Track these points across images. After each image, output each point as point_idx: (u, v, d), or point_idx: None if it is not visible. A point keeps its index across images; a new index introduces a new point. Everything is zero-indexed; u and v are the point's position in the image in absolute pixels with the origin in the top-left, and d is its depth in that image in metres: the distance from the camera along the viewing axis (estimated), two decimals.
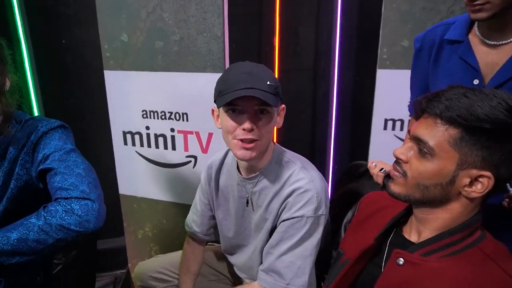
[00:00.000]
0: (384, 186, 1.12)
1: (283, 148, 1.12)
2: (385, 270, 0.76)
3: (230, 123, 0.96)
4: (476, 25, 1.00)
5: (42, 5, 1.78)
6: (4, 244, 0.88)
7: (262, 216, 1.08)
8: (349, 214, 1.09)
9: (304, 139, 2.33)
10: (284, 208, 1.02)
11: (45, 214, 0.91)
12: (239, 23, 1.81)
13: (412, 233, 0.78)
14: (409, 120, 1.41)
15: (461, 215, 0.71)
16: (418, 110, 0.73)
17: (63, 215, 0.91)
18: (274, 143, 1.10)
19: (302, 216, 0.99)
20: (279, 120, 1.04)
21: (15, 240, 0.89)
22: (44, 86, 1.85)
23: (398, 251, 0.75)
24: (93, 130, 1.90)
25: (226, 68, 1.44)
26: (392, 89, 1.75)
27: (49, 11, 1.80)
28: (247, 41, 2.04)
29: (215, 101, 1.00)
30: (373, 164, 1.17)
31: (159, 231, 1.81)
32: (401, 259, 0.73)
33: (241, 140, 0.95)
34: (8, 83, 0.99)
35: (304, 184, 1.00)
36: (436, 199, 0.71)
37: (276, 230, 1.04)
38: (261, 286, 1.03)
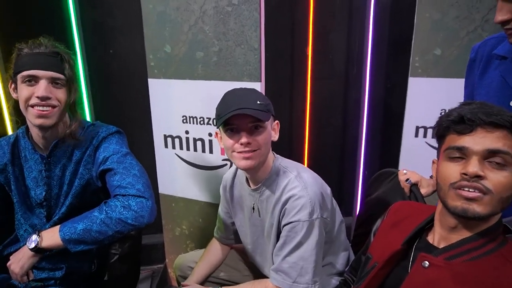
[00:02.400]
0: (410, 196, 1.17)
1: (282, 158, 1.23)
2: (411, 272, 0.81)
3: (229, 141, 1.10)
4: None
5: (93, 19, 1.93)
6: (72, 233, 1.02)
7: (270, 222, 1.19)
8: (378, 222, 1.14)
9: (335, 145, 2.38)
10: (284, 214, 1.13)
11: (106, 209, 1.04)
12: (274, 34, 1.89)
13: (436, 239, 0.82)
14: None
15: (495, 220, 0.75)
16: (468, 123, 0.74)
17: (122, 210, 1.03)
18: (274, 154, 1.22)
19: (298, 221, 1.09)
20: (274, 134, 1.17)
21: (81, 231, 1.02)
22: (94, 92, 2.01)
23: (424, 255, 0.80)
24: (137, 133, 2.02)
25: (262, 77, 1.53)
26: (424, 97, 1.77)
27: (100, 24, 1.95)
28: (282, 50, 2.11)
29: (216, 125, 1.15)
30: (404, 171, 1.22)
31: (195, 229, 1.92)
32: (426, 262, 0.79)
33: (240, 152, 1.08)
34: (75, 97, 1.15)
35: (298, 192, 1.10)
36: (505, 208, 0.73)
37: (280, 235, 1.15)
38: (272, 284, 1.14)
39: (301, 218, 1.09)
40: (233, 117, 1.05)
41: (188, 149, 1.77)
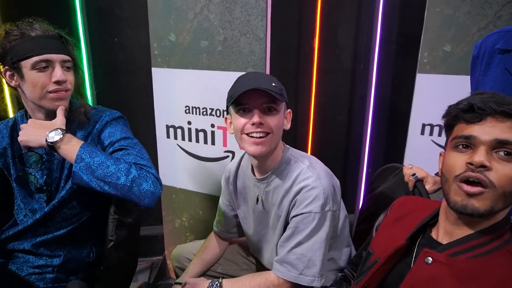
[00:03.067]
0: (413, 191, 1.14)
1: (292, 148, 1.19)
2: (413, 268, 0.79)
3: (240, 120, 1.05)
4: None
5: (99, 8, 1.92)
6: (89, 155, 1.01)
7: (276, 213, 1.15)
8: (381, 217, 1.12)
9: (340, 140, 2.35)
10: (294, 205, 1.09)
11: (132, 164, 1.04)
12: (280, 25, 1.86)
13: (440, 235, 0.79)
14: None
15: (502, 217, 0.72)
16: (478, 111, 0.71)
17: (142, 175, 1.03)
18: (284, 144, 1.18)
19: (310, 212, 1.06)
20: (286, 122, 1.12)
21: (99, 160, 1.01)
22: (97, 80, 1.99)
23: (427, 251, 0.77)
24: (139, 122, 2.01)
25: (267, 68, 1.51)
26: (431, 94, 1.73)
27: (105, 12, 1.93)
28: (288, 43, 2.08)
29: (227, 109, 1.11)
30: (410, 166, 1.19)
31: (195, 221, 1.90)
32: (430, 258, 0.76)
33: (252, 136, 1.04)
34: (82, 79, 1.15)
35: (311, 182, 1.07)
36: (510, 205, 0.70)
37: (288, 226, 1.11)
38: (275, 275, 1.11)
39: (313, 209, 1.05)
40: (247, 96, 1.01)
41: (190, 140, 1.75)
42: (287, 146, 1.19)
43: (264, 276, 1.13)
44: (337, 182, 1.16)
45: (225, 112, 1.64)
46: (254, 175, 1.19)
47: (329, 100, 2.20)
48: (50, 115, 1.10)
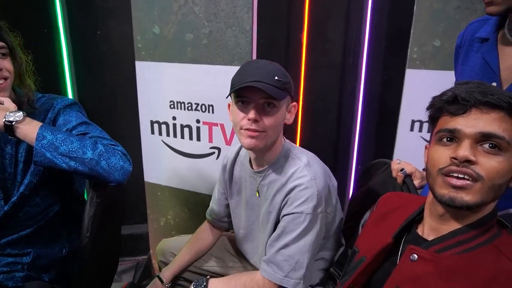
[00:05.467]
0: (402, 186, 1.12)
1: (292, 144, 1.15)
2: (398, 265, 0.76)
3: (239, 115, 1.02)
4: (507, 22, 0.90)
5: None
6: (51, 132, 0.97)
7: (267, 209, 1.12)
8: (367, 214, 1.09)
9: (329, 137, 2.32)
10: (286, 203, 1.06)
11: (97, 140, 1.00)
12: (267, 19, 1.82)
13: (426, 231, 0.77)
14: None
15: (488, 211, 0.70)
16: (462, 102, 0.68)
17: (109, 150, 0.99)
18: (284, 138, 1.13)
19: (301, 213, 1.02)
20: (289, 116, 1.08)
21: (62, 136, 0.97)
22: (79, 74, 1.93)
23: (412, 247, 0.74)
24: (122, 118, 1.97)
25: None
26: (421, 90, 1.71)
27: (86, 3, 1.87)
28: (275, 37, 2.05)
29: (229, 95, 1.06)
30: (398, 161, 1.16)
31: (180, 219, 1.86)
32: (415, 255, 0.73)
33: (247, 129, 1.00)
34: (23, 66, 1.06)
35: (306, 182, 1.03)
36: (498, 198, 0.68)
37: (278, 225, 1.08)
38: (261, 276, 1.08)
39: (305, 210, 1.02)
40: (246, 89, 0.97)
41: (175, 136, 1.71)
42: (287, 141, 1.14)
43: (250, 276, 1.10)
44: (334, 183, 1.13)
45: (211, 107, 1.60)
46: (252, 167, 1.15)
47: (318, 95, 2.17)
48: None
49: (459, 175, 0.66)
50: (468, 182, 0.66)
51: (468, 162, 0.65)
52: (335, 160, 2.36)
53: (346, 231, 1.29)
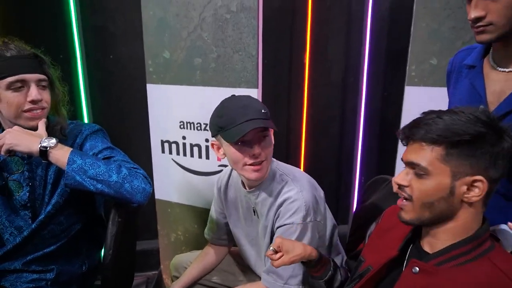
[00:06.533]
0: None
1: (278, 162, 1.24)
2: (401, 278, 0.82)
3: (238, 154, 1.08)
4: (491, 50, 0.97)
5: (95, 25, 1.96)
6: (80, 157, 1.04)
7: (264, 224, 1.21)
8: (373, 225, 1.15)
9: (332, 152, 2.38)
10: (278, 216, 1.14)
11: (121, 164, 1.07)
12: (272, 41, 1.92)
13: (426, 245, 0.84)
14: None
15: (469, 223, 0.77)
16: (403, 138, 0.81)
17: (132, 173, 1.07)
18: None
19: (292, 223, 1.11)
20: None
21: (90, 160, 1.04)
22: (94, 96, 2.02)
23: (414, 261, 0.81)
24: (134, 137, 2.04)
25: (259, 84, 1.55)
26: (420, 106, 1.74)
27: (101, 29, 1.97)
28: (279, 57, 2.14)
29: (215, 136, 1.12)
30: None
31: (190, 235, 1.92)
32: (417, 268, 0.79)
33: (251, 164, 1.08)
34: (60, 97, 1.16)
35: (294, 195, 1.12)
36: (444, 212, 0.77)
37: (274, 236, 1.15)
38: (263, 285, 1.16)
39: (295, 220, 1.10)
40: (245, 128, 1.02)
41: (184, 154, 1.77)
42: (274, 160, 1.23)
43: (253, 286, 1.20)
44: (320, 193, 1.21)
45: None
46: (244, 187, 1.23)
47: (321, 112, 2.25)
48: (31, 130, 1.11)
49: (400, 197, 0.82)
50: (403, 202, 0.81)
51: (401, 186, 0.80)
52: (339, 174, 2.42)
53: (351, 244, 1.35)
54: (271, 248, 1.01)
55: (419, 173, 0.77)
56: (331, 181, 2.42)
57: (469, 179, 0.74)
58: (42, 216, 1.15)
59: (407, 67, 1.76)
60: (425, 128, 0.75)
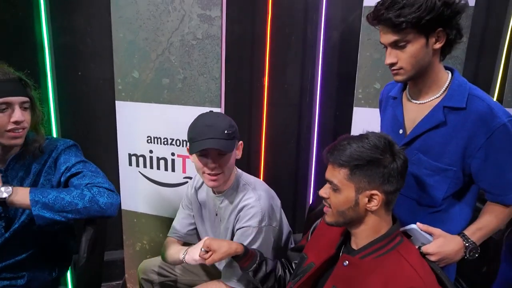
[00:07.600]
0: None
1: (243, 172, 1.43)
2: (335, 270, 1.01)
3: (199, 163, 1.29)
4: (407, 86, 1.19)
5: (65, 44, 2.03)
6: (42, 196, 1.10)
7: (225, 226, 1.39)
8: (316, 223, 1.32)
9: (290, 165, 2.57)
10: (238, 220, 1.33)
11: (83, 188, 1.15)
12: (234, 64, 2.08)
13: (353, 244, 1.03)
14: None
15: (378, 226, 0.98)
16: (324, 160, 1.01)
17: (96, 193, 1.15)
18: (236, 169, 1.41)
19: (249, 226, 1.30)
20: (238, 153, 1.36)
21: (53, 196, 1.10)
22: (63, 112, 2.08)
23: (345, 256, 1.01)
24: (102, 151, 2.11)
25: (221, 103, 1.70)
26: (366, 124, 1.97)
27: (71, 48, 2.05)
28: (241, 79, 2.31)
29: (188, 142, 1.31)
30: None
31: (155, 243, 2.00)
32: (347, 261, 0.99)
33: (209, 174, 1.27)
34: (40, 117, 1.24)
35: (252, 202, 1.31)
36: (353, 218, 0.98)
37: (233, 238, 1.34)
38: (223, 282, 1.34)
39: (252, 224, 1.28)
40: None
41: (151, 167, 1.87)
42: (240, 171, 1.41)
43: (217, 285, 1.35)
44: (277, 202, 1.40)
45: (185, 142, 1.79)
46: (213, 192, 1.41)
47: (279, 130, 2.43)
48: (6, 149, 1.20)
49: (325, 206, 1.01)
50: (326, 208, 1.01)
51: (324, 197, 1.00)
52: (296, 187, 2.61)
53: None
54: (202, 249, 1.20)
55: (334, 188, 0.97)
56: (289, 192, 2.60)
57: (368, 193, 0.94)
58: (16, 225, 1.21)
59: (355, 90, 1.99)
60: (335, 154, 0.96)
